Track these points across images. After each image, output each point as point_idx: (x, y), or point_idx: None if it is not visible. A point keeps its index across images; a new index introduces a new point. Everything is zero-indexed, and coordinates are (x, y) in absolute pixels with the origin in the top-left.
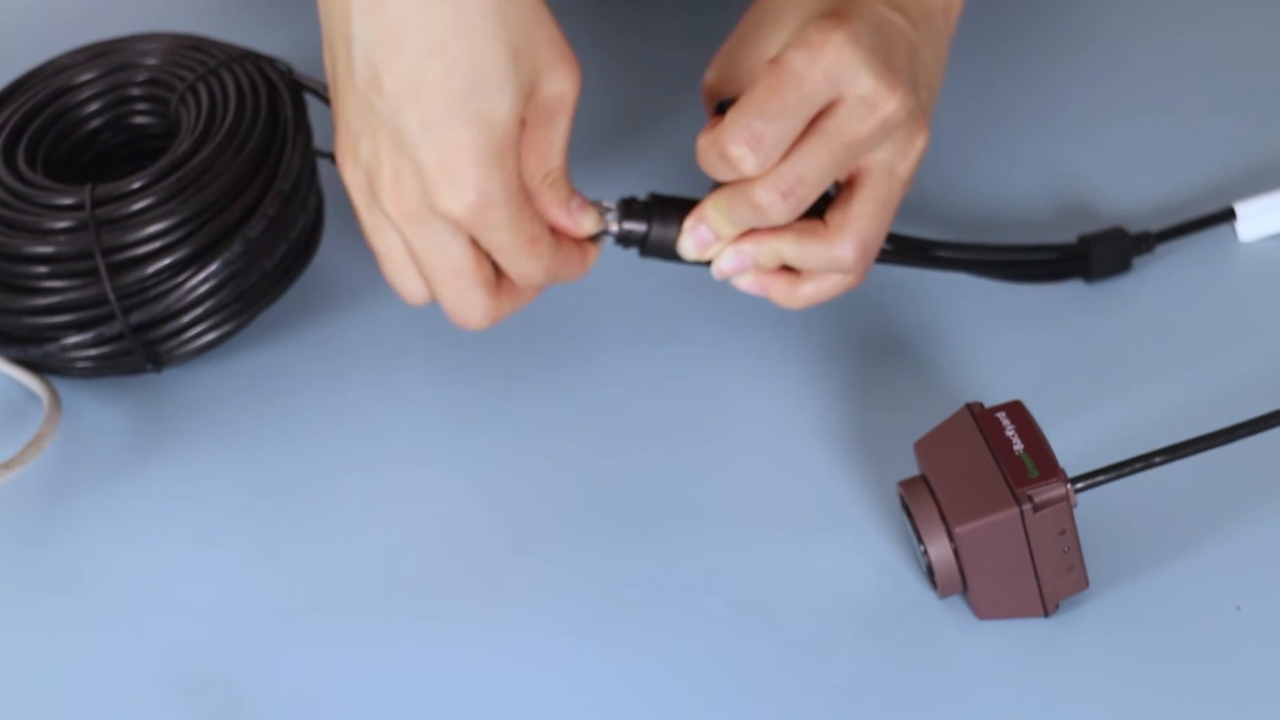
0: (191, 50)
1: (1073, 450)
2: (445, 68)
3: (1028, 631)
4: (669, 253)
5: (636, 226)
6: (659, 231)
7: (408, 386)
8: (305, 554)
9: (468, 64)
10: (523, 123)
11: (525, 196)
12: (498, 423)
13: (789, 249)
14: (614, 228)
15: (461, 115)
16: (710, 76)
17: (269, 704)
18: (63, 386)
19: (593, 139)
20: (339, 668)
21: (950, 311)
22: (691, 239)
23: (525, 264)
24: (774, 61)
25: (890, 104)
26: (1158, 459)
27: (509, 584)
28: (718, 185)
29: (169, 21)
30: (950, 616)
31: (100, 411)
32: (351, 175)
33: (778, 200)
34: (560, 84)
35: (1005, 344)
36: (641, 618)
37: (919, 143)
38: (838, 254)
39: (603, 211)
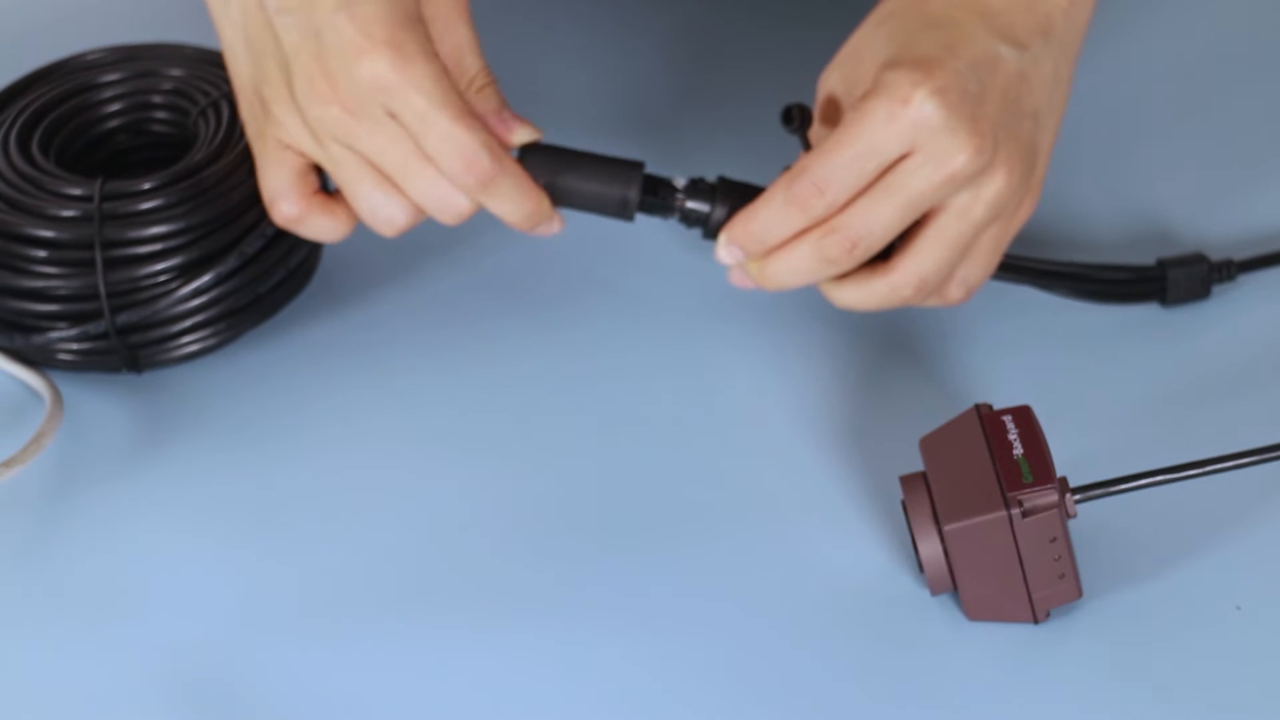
0: (217, 66)
1: (1097, 461)
2: None
3: (1018, 633)
4: None
5: (700, 207)
6: (722, 215)
7: (409, 387)
8: (306, 553)
9: None
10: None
11: (446, 71)
12: (496, 423)
13: (852, 290)
14: (680, 206)
15: None
16: (830, 78)
17: (268, 702)
18: (64, 384)
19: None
20: (339, 668)
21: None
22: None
23: (464, 135)
24: (857, 108)
25: (959, 160)
26: (1161, 477)
27: (508, 583)
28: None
29: (185, 29)
30: (941, 614)
31: (101, 410)
32: (294, 129)
33: (844, 253)
34: None
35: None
36: (638, 613)
37: (997, 184)
38: (898, 293)
39: (673, 190)
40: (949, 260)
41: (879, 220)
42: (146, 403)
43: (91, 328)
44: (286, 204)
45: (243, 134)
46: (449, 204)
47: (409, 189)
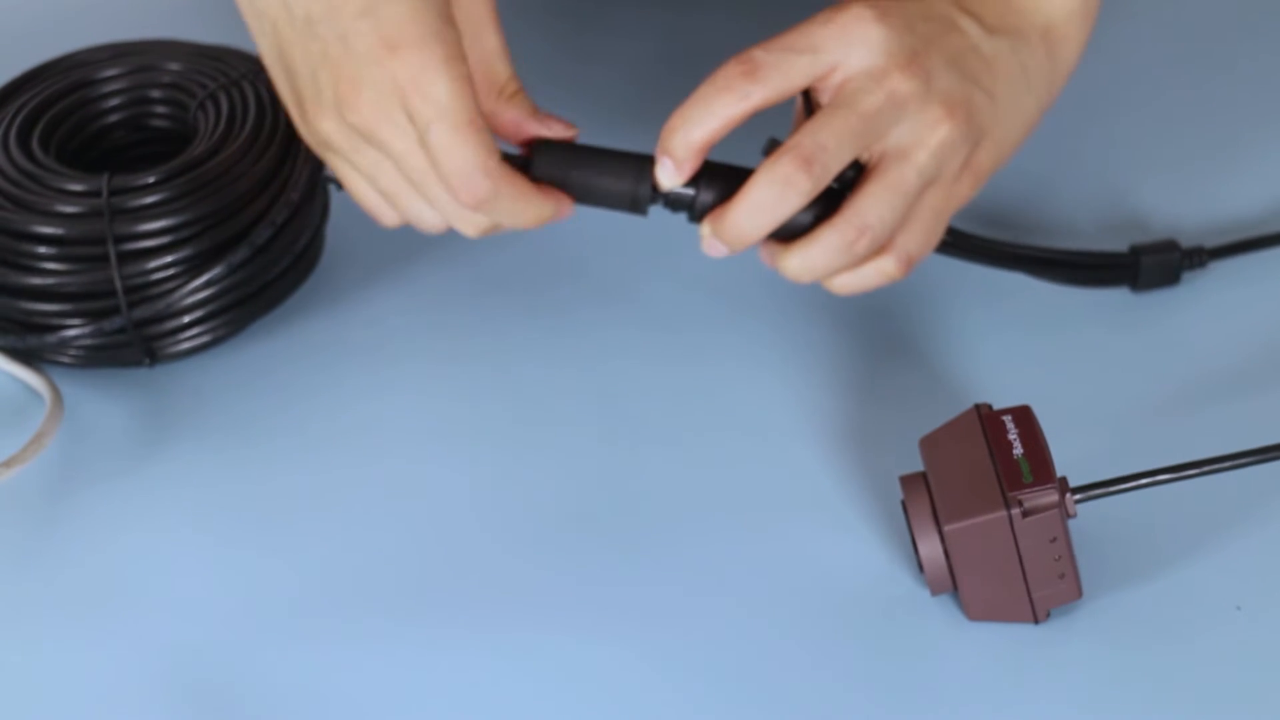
0: (214, 60)
1: (1088, 457)
2: None
3: (1018, 633)
4: None
5: (686, 191)
6: (707, 197)
7: (409, 384)
8: (307, 551)
9: None
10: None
11: (469, 80)
12: (497, 422)
13: (801, 250)
14: (663, 192)
15: None
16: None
17: (268, 702)
18: (64, 383)
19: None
20: (340, 666)
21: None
22: (711, 240)
23: (462, 150)
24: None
25: (895, 78)
26: (1161, 477)
27: (507, 582)
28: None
29: (185, 29)
30: (941, 614)
31: (102, 408)
32: (329, 129)
33: (800, 170)
34: None
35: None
36: (639, 613)
37: (940, 131)
38: (844, 237)
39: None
40: (893, 206)
41: (829, 134)
42: (147, 400)
43: (107, 324)
44: (387, 215)
45: (244, 126)
46: (464, 215)
47: (429, 196)
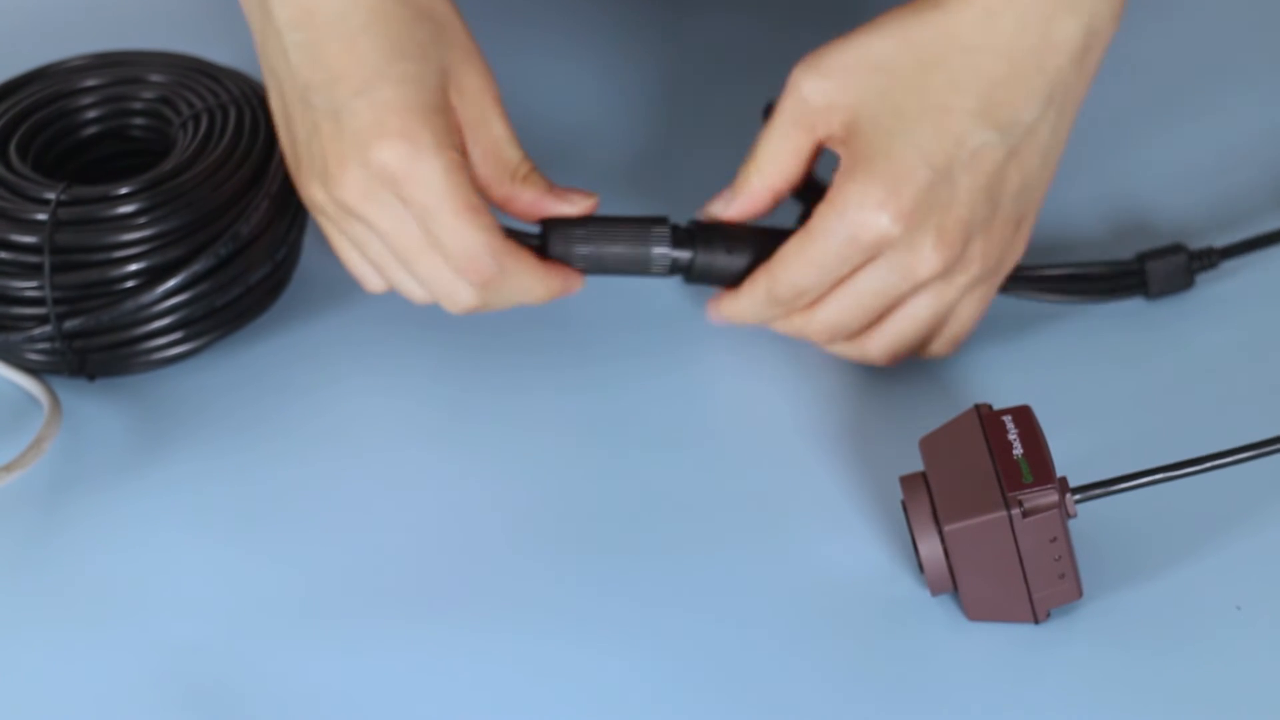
0: (211, 79)
1: (1088, 457)
2: (370, 43)
3: (1018, 633)
4: (714, 278)
5: (683, 254)
6: (704, 259)
7: (405, 386)
8: (305, 554)
9: (390, 39)
10: (459, 126)
11: (462, 164)
12: (493, 422)
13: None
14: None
15: (389, 76)
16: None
17: (269, 704)
18: (62, 389)
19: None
20: (339, 668)
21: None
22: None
23: (467, 233)
24: (823, 218)
25: (922, 271)
26: (1160, 476)
27: (505, 584)
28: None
29: (186, 39)
30: (941, 614)
31: (100, 414)
32: (318, 197)
33: (821, 342)
34: (474, 78)
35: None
36: (638, 614)
37: (965, 274)
38: (801, 330)
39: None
40: (863, 319)
41: (851, 317)
42: (145, 405)
43: (37, 332)
44: (373, 281)
45: (215, 151)
46: (453, 294)
47: (416, 273)
